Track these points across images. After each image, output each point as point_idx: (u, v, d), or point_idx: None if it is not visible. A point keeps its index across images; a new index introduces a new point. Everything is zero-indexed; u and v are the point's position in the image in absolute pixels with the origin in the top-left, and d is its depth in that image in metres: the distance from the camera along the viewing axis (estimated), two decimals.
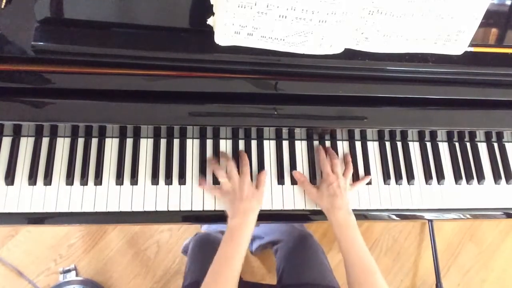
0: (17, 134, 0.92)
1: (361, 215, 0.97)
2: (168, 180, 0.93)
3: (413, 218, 1.01)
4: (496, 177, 1.03)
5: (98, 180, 0.91)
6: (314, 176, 0.97)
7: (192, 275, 1.04)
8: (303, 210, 0.96)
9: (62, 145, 0.93)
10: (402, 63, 0.86)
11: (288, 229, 1.32)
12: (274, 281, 1.18)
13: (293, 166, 0.97)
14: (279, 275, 1.14)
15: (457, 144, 1.05)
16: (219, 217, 0.94)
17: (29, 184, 0.90)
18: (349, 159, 0.98)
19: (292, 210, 0.95)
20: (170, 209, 0.92)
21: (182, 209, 0.92)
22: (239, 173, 0.92)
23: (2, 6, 0.80)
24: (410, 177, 1.00)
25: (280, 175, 0.96)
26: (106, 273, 1.63)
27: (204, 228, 1.55)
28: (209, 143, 0.97)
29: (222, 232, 1.36)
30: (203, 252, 1.12)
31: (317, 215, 0.96)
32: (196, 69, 0.84)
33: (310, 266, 1.08)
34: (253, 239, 1.58)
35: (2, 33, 0.80)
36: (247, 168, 0.92)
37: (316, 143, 1.00)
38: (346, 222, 0.88)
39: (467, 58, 0.87)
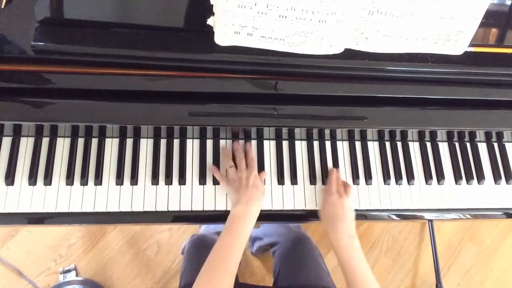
0: (17, 134, 0.92)
1: (361, 215, 0.97)
2: (168, 180, 0.93)
3: (413, 218, 1.01)
4: (496, 177, 1.03)
5: (98, 180, 0.91)
6: (314, 176, 0.97)
7: (187, 276, 1.04)
8: (303, 210, 0.95)
9: (62, 145, 0.93)
10: (402, 63, 0.86)
11: (285, 231, 1.32)
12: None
13: (293, 166, 0.97)
14: (275, 276, 1.14)
15: (457, 144, 1.05)
16: (219, 217, 0.94)
17: (29, 184, 0.90)
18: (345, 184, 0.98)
19: (292, 210, 0.95)
20: (170, 209, 0.92)
21: (182, 209, 0.92)
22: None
23: (2, 6, 0.80)
24: (410, 177, 1.00)
25: (280, 175, 0.96)
26: (106, 273, 1.63)
27: (202, 228, 1.55)
28: (209, 143, 0.97)
29: (219, 233, 1.37)
30: (199, 254, 1.12)
31: (317, 215, 0.96)
32: (196, 69, 0.84)
33: (306, 268, 1.08)
34: (254, 240, 1.58)
35: (2, 33, 0.80)
36: (255, 163, 0.94)
37: (316, 143, 1.00)
38: (348, 246, 0.85)
39: (467, 58, 0.87)
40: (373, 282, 0.82)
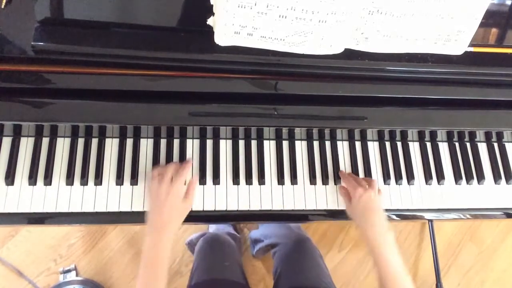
0: (17, 134, 0.92)
1: None
2: None
3: (413, 218, 1.01)
4: (496, 177, 1.03)
5: (98, 180, 0.91)
6: (314, 176, 0.97)
7: (199, 274, 1.04)
8: (303, 210, 0.95)
9: (62, 145, 0.93)
10: (402, 63, 0.86)
11: (285, 233, 1.32)
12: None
13: (293, 166, 0.97)
14: (275, 278, 1.14)
15: (457, 144, 1.05)
16: (219, 217, 0.94)
17: (29, 184, 0.90)
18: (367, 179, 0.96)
19: (292, 210, 0.95)
20: None
21: None
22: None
23: (2, 6, 0.80)
24: (410, 177, 1.00)
25: (280, 175, 0.96)
26: (106, 273, 1.63)
27: (213, 228, 1.55)
28: (209, 143, 0.97)
29: (229, 234, 1.37)
30: (212, 252, 1.12)
31: (317, 215, 0.96)
32: (196, 69, 0.84)
33: (307, 270, 1.08)
34: (254, 242, 1.58)
35: (2, 33, 0.80)
36: (185, 171, 0.84)
37: (316, 143, 1.00)
38: (382, 240, 0.82)
39: (467, 58, 0.87)
40: (405, 279, 0.79)
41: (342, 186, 0.96)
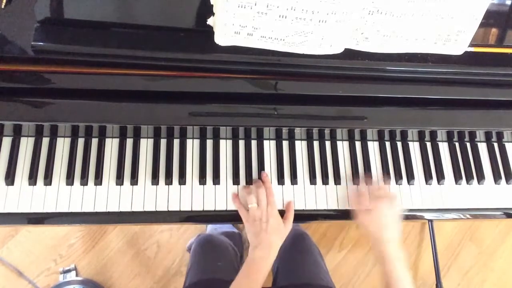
0: (17, 134, 0.92)
1: None
2: (168, 180, 0.93)
3: (413, 218, 1.01)
4: (496, 177, 1.03)
5: (98, 180, 0.91)
6: (314, 176, 0.97)
7: (192, 276, 1.04)
8: (303, 210, 0.95)
9: (62, 145, 0.93)
10: (402, 63, 0.86)
11: None
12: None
13: (293, 166, 0.97)
14: (274, 275, 1.14)
15: (457, 144, 1.05)
16: (219, 217, 0.94)
17: (29, 184, 0.90)
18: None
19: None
20: (170, 209, 0.92)
21: (182, 209, 0.92)
22: None
23: (2, 6, 0.80)
24: (410, 177, 1.00)
25: (280, 175, 0.96)
26: (106, 273, 1.63)
27: (209, 228, 1.55)
28: (209, 143, 0.97)
29: (225, 234, 1.37)
30: (205, 254, 1.12)
31: (317, 215, 0.96)
32: (196, 69, 0.84)
33: (305, 266, 1.08)
34: None
35: (2, 33, 0.80)
36: (274, 199, 0.91)
37: (316, 143, 1.00)
38: (394, 256, 0.83)
39: (467, 58, 0.87)
40: None
41: (357, 194, 0.95)
